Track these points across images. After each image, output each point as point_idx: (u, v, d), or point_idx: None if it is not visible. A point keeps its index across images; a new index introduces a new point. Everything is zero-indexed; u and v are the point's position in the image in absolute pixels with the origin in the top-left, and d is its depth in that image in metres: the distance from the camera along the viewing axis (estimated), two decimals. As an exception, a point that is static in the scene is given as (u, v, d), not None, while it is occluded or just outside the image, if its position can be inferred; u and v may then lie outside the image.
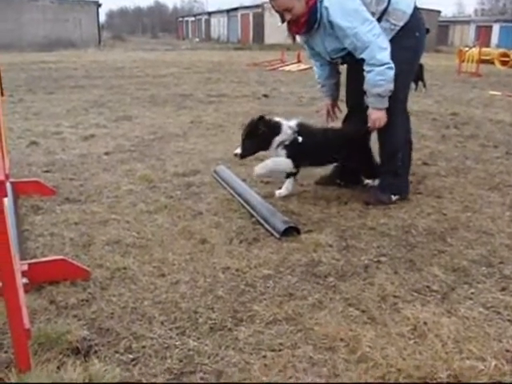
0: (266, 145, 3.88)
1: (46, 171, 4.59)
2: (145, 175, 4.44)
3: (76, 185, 4.26)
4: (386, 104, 3.67)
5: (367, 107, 3.76)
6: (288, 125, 3.87)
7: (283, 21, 3.67)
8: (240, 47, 36.59)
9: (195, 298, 2.54)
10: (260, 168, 3.88)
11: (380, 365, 2.07)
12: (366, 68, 3.57)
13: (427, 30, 3.80)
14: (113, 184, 4.26)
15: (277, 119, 3.92)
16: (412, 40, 3.72)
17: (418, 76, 11.45)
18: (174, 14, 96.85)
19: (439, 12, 48.13)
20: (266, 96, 9.48)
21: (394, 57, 3.55)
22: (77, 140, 5.88)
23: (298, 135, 3.85)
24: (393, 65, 3.52)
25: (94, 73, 14.83)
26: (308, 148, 3.86)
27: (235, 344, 2.20)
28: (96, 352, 2.14)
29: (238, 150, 3.86)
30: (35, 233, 3.31)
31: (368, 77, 3.57)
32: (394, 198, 3.91)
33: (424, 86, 11.57)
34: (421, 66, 11.45)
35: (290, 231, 3.26)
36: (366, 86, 3.63)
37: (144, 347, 2.18)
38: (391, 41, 3.62)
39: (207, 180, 4.37)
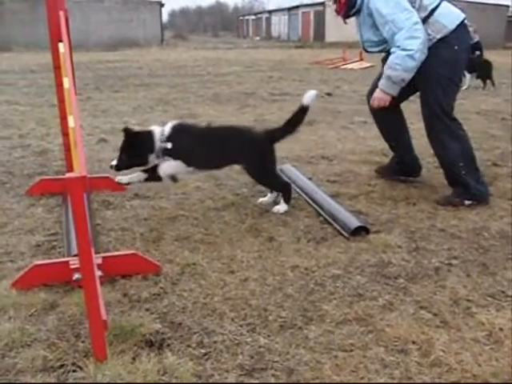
0: (141, 158, 3.59)
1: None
2: (211, 172, 4.48)
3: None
4: (393, 91, 3.70)
5: (388, 113, 3.90)
6: (160, 132, 3.55)
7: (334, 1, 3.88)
8: (301, 45, 36.44)
9: (265, 296, 2.56)
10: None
11: (454, 370, 2.03)
12: (391, 49, 3.64)
13: (477, 47, 3.77)
14: (180, 181, 4.31)
15: (149, 129, 3.62)
16: (450, 53, 3.67)
17: (487, 74, 11.14)
18: (235, 12, 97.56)
19: (508, 7, 46.56)
20: (329, 94, 9.43)
21: (431, 69, 3.63)
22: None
23: (173, 139, 3.52)
24: (417, 56, 3.54)
25: (157, 71, 15.09)
26: (192, 150, 3.59)
27: (306, 343, 2.20)
28: (169, 345, 2.18)
29: (114, 162, 3.64)
30: (107, 227, 3.40)
31: (389, 58, 3.65)
32: (467, 202, 3.80)
33: (493, 84, 11.24)
34: (489, 64, 11.15)
35: (359, 231, 3.23)
36: (384, 67, 3.71)
37: (215, 342, 2.20)
38: (429, 50, 3.62)
39: (273, 178, 4.38)
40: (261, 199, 3.84)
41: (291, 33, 50.63)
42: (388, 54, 3.77)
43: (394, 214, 3.62)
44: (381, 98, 3.76)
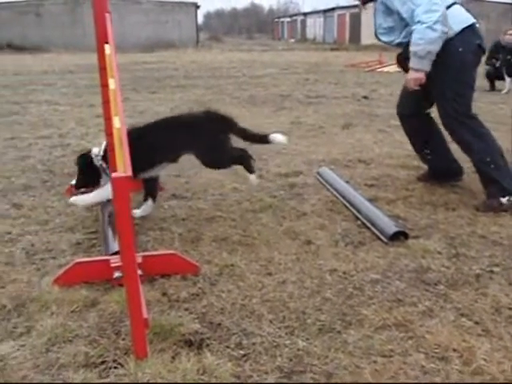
0: (91, 178, 3.62)
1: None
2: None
3: (181, 182, 4.39)
4: (424, 66, 3.65)
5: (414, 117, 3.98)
6: (97, 151, 3.57)
7: None
8: (336, 48, 36.31)
9: (303, 299, 2.55)
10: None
11: (497, 379, 1.99)
12: (411, 25, 3.66)
13: (480, 48, 3.78)
14: (217, 182, 4.36)
15: (89, 149, 3.68)
16: (454, 55, 3.70)
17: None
18: (270, 14, 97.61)
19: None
20: (365, 98, 9.37)
21: (439, 72, 3.69)
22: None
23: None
24: (437, 27, 3.54)
25: (193, 73, 15.22)
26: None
27: (345, 347, 2.19)
28: (208, 345, 2.20)
29: (73, 182, 3.74)
30: (146, 227, 3.44)
31: (412, 36, 3.64)
32: (504, 199, 3.73)
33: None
34: None
35: (397, 236, 3.20)
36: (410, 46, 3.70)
37: (254, 344, 2.21)
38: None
39: (310, 181, 4.37)
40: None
41: (326, 35, 50.47)
42: (404, 48, 3.82)
43: (433, 219, 3.58)
44: (414, 77, 3.71)
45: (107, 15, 2.38)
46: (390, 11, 3.81)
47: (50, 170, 4.77)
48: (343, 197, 3.88)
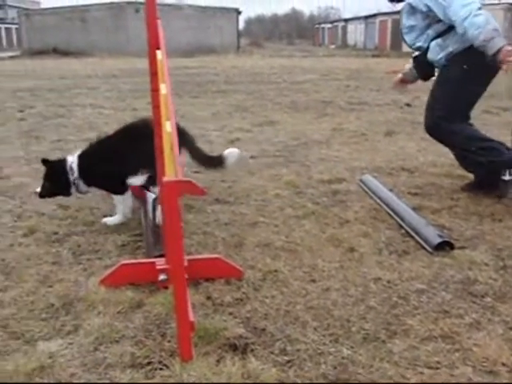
0: (60, 188, 3.61)
1: (196, 172, 4.79)
2: (291, 180, 4.51)
3: (224, 186, 4.42)
4: (500, 41, 3.57)
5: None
6: (70, 161, 3.56)
7: None
8: (377, 54, 36.00)
9: (347, 307, 2.54)
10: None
11: (548, 395, 1.95)
12: (458, 30, 3.70)
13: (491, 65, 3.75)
14: (260, 187, 4.38)
15: (63, 158, 3.63)
16: (457, 71, 3.89)
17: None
18: (311, 20, 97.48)
19: None
20: (408, 105, 9.25)
21: (443, 82, 4.05)
22: (223, 143, 6.10)
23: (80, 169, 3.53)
24: (476, 12, 3.59)
25: (234, 78, 15.30)
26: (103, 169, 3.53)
27: (390, 357, 2.17)
28: (252, 350, 2.20)
29: (38, 189, 3.62)
30: (189, 230, 3.47)
31: (466, 37, 3.67)
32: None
33: None
34: None
35: (442, 246, 3.16)
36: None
37: (298, 350, 2.21)
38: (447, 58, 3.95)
39: (353, 188, 4.35)
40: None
41: (367, 41, 50.11)
42: (421, 53, 4.09)
43: (479, 230, 3.52)
44: (504, 53, 3.56)
45: (159, 21, 2.41)
46: (413, 10, 3.95)
47: (96, 172, 4.85)
48: (387, 205, 3.85)
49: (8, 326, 2.41)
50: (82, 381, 2.05)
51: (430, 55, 4.05)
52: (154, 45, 2.36)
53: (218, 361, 2.12)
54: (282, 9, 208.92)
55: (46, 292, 2.71)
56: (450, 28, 3.83)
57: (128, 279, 2.72)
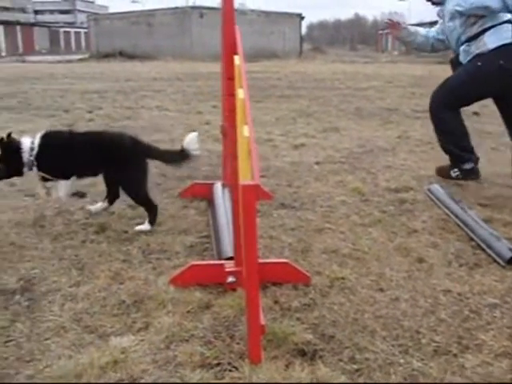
0: (13, 169, 3.59)
1: (262, 176, 4.83)
2: (356, 187, 4.47)
3: (290, 191, 4.43)
4: None
5: None
6: (29, 143, 3.52)
7: None
8: (442, 61, 35.25)
9: (416, 318, 2.50)
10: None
11: None
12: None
13: (501, 68, 4.27)
14: (325, 194, 4.36)
15: (19, 140, 3.56)
16: (471, 66, 4.42)
17: None
18: (374, 26, 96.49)
19: None
20: (476, 114, 9.02)
21: (458, 75, 4.60)
22: (287, 148, 6.12)
23: (43, 149, 3.52)
24: None
25: (296, 83, 15.31)
26: (63, 159, 3.56)
27: (462, 371, 2.12)
28: (321, 357, 2.20)
29: None
30: (255, 234, 3.49)
31: None
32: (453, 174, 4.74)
33: None
34: None
35: (516, 260, 3.06)
36: None
37: (367, 359, 2.19)
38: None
39: (420, 197, 4.27)
40: (89, 206, 3.87)
41: (432, 48, 49.10)
42: (455, 55, 4.64)
43: (554, 244, 3.39)
44: None
45: (236, 27, 2.45)
46: (452, 16, 4.39)
47: (163, 173, 4.95)
48: (456, 216, 3.76)
49: (82, 320, 2.49)
50: (153, 377, 2.10)
51: (461, 58, 4.58)
52: (231, 50, 2.40)
53: (286, 365, 2.12)
54: (344, 14, 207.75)
55: (118, 289, 2.78)
56: (477, 34, 4.32)
57: (197, 280, 2.77)
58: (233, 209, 2.73)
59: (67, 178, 3.64)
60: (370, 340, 2.32)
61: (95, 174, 3.75)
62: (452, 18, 4.42)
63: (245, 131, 2.03)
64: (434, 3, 4.68)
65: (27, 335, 2.39)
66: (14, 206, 4.10)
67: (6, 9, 61.40)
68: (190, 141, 3.67)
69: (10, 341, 2.35)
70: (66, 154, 3.57)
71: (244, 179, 2.13)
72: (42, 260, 3.14)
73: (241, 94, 2.18)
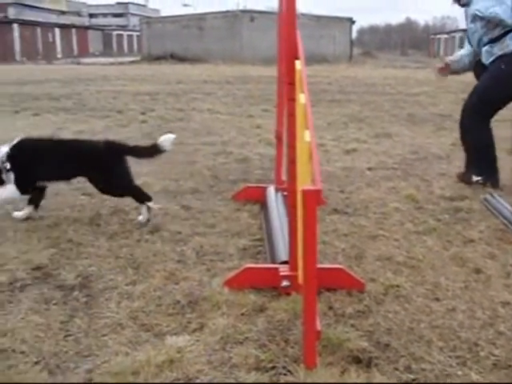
0: None
1: (314, 181, 4.82)
2: (410, 195, 4.41)
3: (342, 197, 4.41)
4: None
5: None
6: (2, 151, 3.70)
7: None
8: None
9: (474, 330, 2.45)
10: None
11: None
12: None
13: None
14: (378, 200, 4.32)
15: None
16: (495, 69, 4.50)
17: None
18: (425, 31, 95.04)
19: None
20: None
21: (482, 81, 4.67)
22: (339, 153, 6.09)
23: (14, 157, 3.69)
24: None
25: (347, 88, 15.20)
26: (36, 166, 3.73)
27: (523, 386, 2.07)
28: (376, 365, 2.18)
29: None
30: (308, 239, 3.49)
31: None
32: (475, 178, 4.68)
33: None
34: None
35: None
36: None
37: (424, 370, 2.15)
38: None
39: (476, 206, 4.18)
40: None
41: (486, 53, 48.08)
42: (478, 61, 4.70)
43: None
44: None
45: (297, 31, 2.45)
46: (474, 18, 4.52)
47: (216, 175, 5.00)
48: (515, 226, 3.67)
49: (138, 318, 2.54)
50: (208, 377, 2.12)
51: (483, 59, 4.66)
52: (292, 54, 2.41)
53: (342, 372, 2.11)
54: (396, 19, 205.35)
55: (173, 288, 2.82)
56: (500, 36, 4.43)
57: (251, 282, 2.78)
58: (288, 213, 2.73)
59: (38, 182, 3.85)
60: (427, 350, 2.28)
61: (68, 179, 3.94)
62: (473, 21, 4.54)
63: (306, 136, 2.04)
64: (460, 4, 4.73)
65: (85, 331, 2.45)
66: (71, 203, 4.21)
67: (63, 12, 63.04)
68: (165, 139, 3.83)
69: (69, 335, 2.42)
70: (33, 162, 3.76)
71: (303, 184, 2.13)
72: (98, 258, 3.21)
73: (302, 99, 2.18)
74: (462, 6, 4.75)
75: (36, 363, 2.21)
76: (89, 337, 2.40)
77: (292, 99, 2.43)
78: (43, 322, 2.51)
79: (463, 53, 5.01)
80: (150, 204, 3.80)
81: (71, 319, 2.55)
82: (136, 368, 2.15)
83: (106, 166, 3.79)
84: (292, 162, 2.48)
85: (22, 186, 3.77)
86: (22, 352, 2.29)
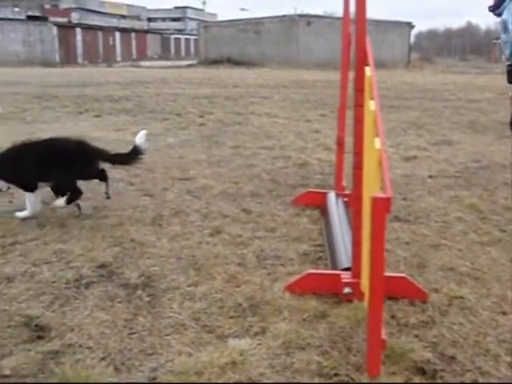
0: None
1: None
2: (473, 204, 4.31)
3: (403, 204, 4.35)
4: None
5: None
6: None
7: None
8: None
9: (544, 345, 2.37)
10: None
11: None
12: None
13: None
14: (440, 209, 4.24)
15: None
16: None
17: None
18: (487, 35, 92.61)
19: None
20: None
21: None
22: (399, 160, 6.01)
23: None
24: None
25: (405, 94, 14.97)
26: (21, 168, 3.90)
27: None
28: (442, 377, 2.15)
29: None
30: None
31: None
32: None
33: None
34: None
35: None
36: None
37: (492, 385, 2.11)
38: None
39: (544, 219, 4.06)
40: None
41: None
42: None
43: None
44: None
45: (368, 38, 2.44)
46: (504, 28, 4.22)
47: (275, 179, 5.02)
48: None
49: (200, 320, 2.58)
50: (271, 381, 2.13)
51: None
52: (362, 60, 2.39)
53: (406, 382, 2.09)
54: (456, 23, 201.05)
55: (234, 291, 2.84)
56: None
57: (312, 288, 2.78)
58: (351, 220, 2.71)
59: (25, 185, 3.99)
60: (494, 365, 2.23)
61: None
62: (504, 31, 4.36)
63: (376, 143, 2.02)
64: (495, 14, 4.53)
65: (149, 329, 2.50)
66: (133, 204, 4.30)
67: (123, 17, 64.61)
68: (140, 137, 4.02)
69: (134, 333, 2.47)
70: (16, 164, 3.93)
71: (370, 191, 2.12)
72: (160, 258, 3.27)
73: (372, 105, 2.17)
74: (498, 15, 4.63)
75: (102, 359, 2.27)
76: (152, 335, 2.45)
77: (360, 105, 2.42)
78: (108, 318, 2.58)
79: None
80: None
81: (135, 317, 2.60)
82: (199, 368, 2.18)
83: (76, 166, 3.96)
84: (358, 168, 2.46)
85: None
86: (89, 347, 2.35)
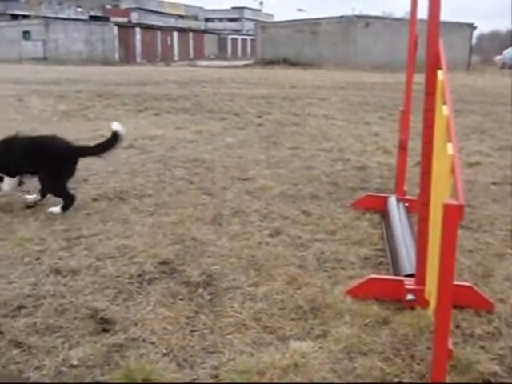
0: None
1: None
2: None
3: (466, 211, 4.22)
4: None
5: None
6: None
7: None
8: None
9: None
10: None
11: None
12: None
13: None
14: (505, 216, 4.13)
15: None
16: None
17: None
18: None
19: None
20: None
21: None
22: (461, 166, 5.82)
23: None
24: None
25: (466, 97, 14.59)
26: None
27: None
28: (505, 391, 2.09)
29: None
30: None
31: None
32: None
33: None
34: None
35: None
36: None
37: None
38: None
39: None
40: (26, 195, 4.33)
41: None
42: None
43: None
44: None
45: (441, 41, 2.40)
46: None
47: (334, 182, 4.99)
48: None
49: (261, 320, 2.59)
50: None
51: None
52: (434, 64, 2.36)
53: (469, 395, 2.05)
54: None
55: (294, 293, 2.84)
56: None
57: (374, 293, 2.75)
58: (418, 226, 2.67)
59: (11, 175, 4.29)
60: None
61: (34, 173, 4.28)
62: None
63: (449, 149, 1.99)
64: None
65: (210, 327, 2.53)
66: (193, 202, 4.35)
67: (181, 17, 65.58)
68: (115, 124, 4.25)
69: (196, 331, 2.50)
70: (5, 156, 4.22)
71: (440, 197, 2.08)
72: (221, 257, 3.30)
73: (445, 110, 2.13)
74: None
75: (165, 354, 2.31)
76: (214, 334, 2.48)
77: (431, 110, 2.37)
78: (170, 315, 2.62)
79: None
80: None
81: (197, 315, 2.63)
82: (261, 369, 2.19)
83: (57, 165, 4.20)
84: (426, 173, 2.42)
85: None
86: (152, 342, 2.40)
